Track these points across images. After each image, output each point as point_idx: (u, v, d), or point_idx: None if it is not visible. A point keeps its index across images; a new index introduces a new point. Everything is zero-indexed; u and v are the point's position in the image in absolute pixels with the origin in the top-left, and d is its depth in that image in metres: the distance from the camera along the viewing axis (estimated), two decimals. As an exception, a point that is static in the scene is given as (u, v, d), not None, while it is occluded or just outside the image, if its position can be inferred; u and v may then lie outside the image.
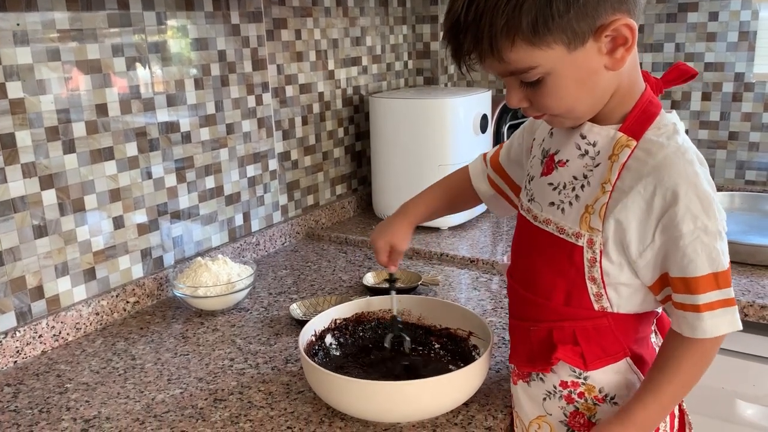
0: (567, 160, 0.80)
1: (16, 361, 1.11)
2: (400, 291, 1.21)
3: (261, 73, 1.54)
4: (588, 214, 0.76)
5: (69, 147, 1.17)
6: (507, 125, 1.82)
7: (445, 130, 1.64)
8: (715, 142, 1.87)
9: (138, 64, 1.27)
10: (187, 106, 1.37)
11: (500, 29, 0.68)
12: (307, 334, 1.00)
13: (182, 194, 1.39)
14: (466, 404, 0.93)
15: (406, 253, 1.47)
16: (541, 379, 0.85)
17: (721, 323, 0.73)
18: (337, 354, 1.05)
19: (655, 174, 0.72)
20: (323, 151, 1.78)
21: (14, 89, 1.08)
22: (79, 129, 1.18)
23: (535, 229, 0.83)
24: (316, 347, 1.03)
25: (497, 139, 1.81)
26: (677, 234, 0.72)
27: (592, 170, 0.77)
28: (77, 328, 1.20)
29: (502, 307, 1.24)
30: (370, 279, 1.37)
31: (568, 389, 0.83)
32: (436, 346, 1.07)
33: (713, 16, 1.80)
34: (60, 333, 1.17)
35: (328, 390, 0.90)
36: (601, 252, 0.76)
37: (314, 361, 0.93)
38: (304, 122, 1.70)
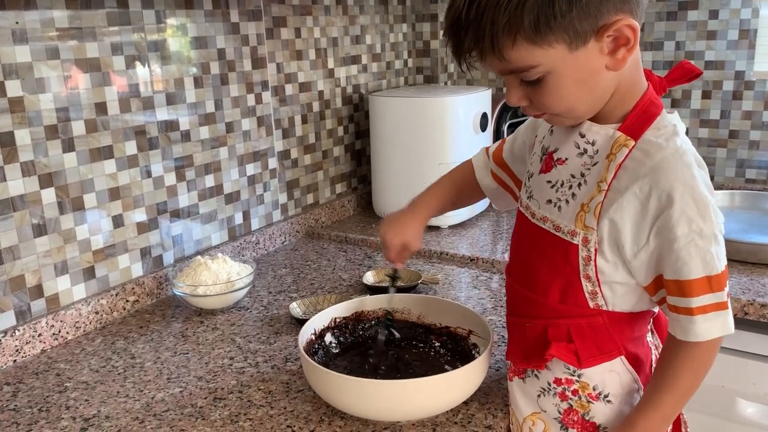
0: (566, 159, 0.80)
1: (15, 360, 1.11)
2: (399, 290, 1.21)
3: (261, 71, 1.54)
4: (583, 212, 0.76)
5: (68, 145, 1.16)
6: (507, 124, 1.82)
7: (445, 128, 1.64)
8: (715, 140, 1.87)
9: (137, 63, 1.26)
10: (186, 104, 1.37)
11: (502, 27, 0.68)
12: (306, 333, 1.00)
13: (182, 193, 1.39)
14: (466, 403, 0.93)
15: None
16: (536, 375, 0.86)
17: (713, 326, 0.73)
18: (337, 353, 1.05)
19: (651, 175, 0.72)
20: (323, 150, 1.78)
21: (13, 88, 1.07)
22: (78, 127, 1.17)
23: (533, 227, 0.83)
24: (316, 346, 1.03)
25: (497, 138, 1.80)
26: (672, 237, 0.71)
27: (589, 169, 0.77)
28: (77, 327, 1.20)
29: (502, 306, 1.24)
30: (370, 278, 1.37)
31: (563, 386, 0.83)
32: (436, 344, 1.07)
33: (713, 14, 1.80)
34: (59, 332, 1.17)
35: (327, 389, 0.89)
36: (596, 250, 0.76)
37: (314, 360, 0.92)
38: (304, 121, 1.70)
